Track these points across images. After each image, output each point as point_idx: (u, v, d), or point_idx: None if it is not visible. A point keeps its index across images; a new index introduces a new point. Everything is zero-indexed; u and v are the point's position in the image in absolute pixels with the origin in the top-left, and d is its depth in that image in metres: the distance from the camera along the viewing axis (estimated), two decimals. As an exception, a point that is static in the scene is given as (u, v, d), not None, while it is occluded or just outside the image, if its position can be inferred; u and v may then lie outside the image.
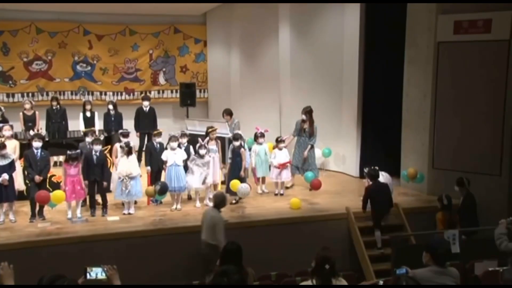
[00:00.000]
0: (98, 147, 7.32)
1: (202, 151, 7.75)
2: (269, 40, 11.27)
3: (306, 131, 8.52)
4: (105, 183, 7.36)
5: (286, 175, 8.48)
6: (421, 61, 8.39)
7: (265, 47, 11.43)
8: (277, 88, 11.18)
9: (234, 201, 7.89)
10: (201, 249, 6.25)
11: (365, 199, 7.09)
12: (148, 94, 11.51)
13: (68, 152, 7.21)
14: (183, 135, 8.10)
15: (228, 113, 9.50)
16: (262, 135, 8.54)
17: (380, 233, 7.10)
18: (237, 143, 7.86)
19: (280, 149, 8.47)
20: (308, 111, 8.80)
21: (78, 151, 7.40)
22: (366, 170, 7.17)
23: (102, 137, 8.20)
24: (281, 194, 8.51)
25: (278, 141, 8.49)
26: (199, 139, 7.93)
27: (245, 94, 11.61)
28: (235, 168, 7.86)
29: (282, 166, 8.36)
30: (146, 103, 10.40)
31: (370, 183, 7.11)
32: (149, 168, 7.94)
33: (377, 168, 7.17)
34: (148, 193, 7.53)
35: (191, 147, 8.08)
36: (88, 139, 7.70)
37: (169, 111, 12.35)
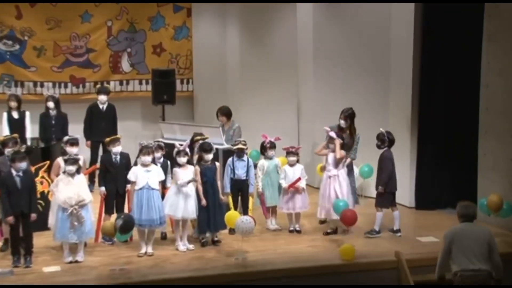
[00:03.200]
0: (21, 165, 7.30)
1: (181, 159, 7.81)
2: (283, 9, 11.37)
3: (344, 143, 8.58)
4: (33, 216, 7.37)
5: (302, 203, 8.54)
6: (509, 37, 8.41)
7: (276, 19, 11.54)
8: (293, 79, 11.30)
9: (217, 240, 8.05)
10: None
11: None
12: (106, 85, 11.63)
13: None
14: (156, 146, 8.16)
15: (225, 113, 9.59)
16: (273, 146, 8.58)
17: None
18: (208, 156, 7.89)
19: (292, 165, 8.51)
20: (349, 115, 8.90)
21: None
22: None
23: (24, 148, 8.11)
24: (298, 231, 8.60)
25: (289, 152, 8.54)
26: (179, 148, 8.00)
27: (248, 86, 11.73)
28: (211, 192, 7.97)
29: (294, 188, 8.40)
30: (102, 98, 10.48)
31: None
32: (103, 188, 8.03)
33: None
34: (105, 230, 7.52)
35: (169, 164, 8.17)
36: (9, 151, 7.68)
37: (136, 111, 12.47)
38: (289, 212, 8.58)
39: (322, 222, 8.80)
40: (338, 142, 8.31)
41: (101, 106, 10.51)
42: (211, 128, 9.44)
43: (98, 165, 8.55)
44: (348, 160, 8.75)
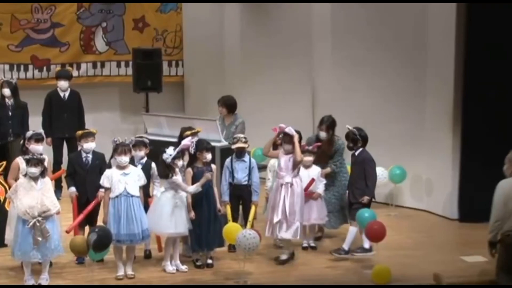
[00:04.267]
0: None
1: (179, 162, 7.73)
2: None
3: (317, 152, 8.62)
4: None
5: (318, 214, 8.58)
6: None
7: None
8: (307, 60, 11.22)
9: (210, 263, 8.07)
10: None
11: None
12: (67, 68, 11.47)
13: None
14: (138, 143, 8.11)
15: (229, 104, 9.62)
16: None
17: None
18: (208, 156, 7.87)
19: (307, 166, 8.52)
20: (330, 124, 8.80)
21: None
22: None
23: None
24: (312, 247, 8.66)
25: (304, 151, 8.42)
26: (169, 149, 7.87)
27: (250, 70, 11.68)
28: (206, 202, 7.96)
29: (308, 194, 8.40)
30: (62, 84, 10.43)
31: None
32: (73, 189, 8.04)
33: None
34: (75, 247, 7.46)
35: (153, 166, 8.11)
36: None
37: (114, 100, 12.48)
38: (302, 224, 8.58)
39: (319, 238, 8.89)
40: (296, 138, 8.06)
41: (62, 94, 10.45)
42: (206, 121, 9.40)
43: (65, 168, 8.50)
44: (328, 169, 8.73)
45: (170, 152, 7.67)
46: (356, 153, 8.37)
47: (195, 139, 8.03)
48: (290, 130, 8.02)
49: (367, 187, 8.30)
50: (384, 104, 9.88)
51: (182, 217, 7.78)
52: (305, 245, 8.59)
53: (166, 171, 7.70)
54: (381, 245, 8.18)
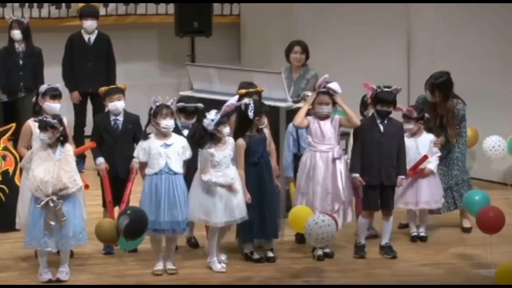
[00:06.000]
0: None
1: (224, 129, 7.74)
2: None
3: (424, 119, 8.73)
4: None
5: (430, 195, 8.72)
6: None
7: None
8: None
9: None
10: None
11: None
12: (94, 4, 11.47)
13: None
14: (182, 103, 8.18)
15: (299, 50, 9.61)
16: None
17: None
18: (263, 121, 7.98)
19: (413, 134, 8.67)
20: (442, 84, 8.87)
21: None
22: None
23: None
24: (421, 238, 8.84)
25: (404, 116, 8.61)
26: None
27: (327, 8, 11.58)
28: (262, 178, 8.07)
29: (416, 172, 8.53)
30: (89, 24, 10.57)
31: None
32: (101, 159, 8.13)
33: None
34: (102, 233, 7.58)
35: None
36: None
37: (151, 47, 12.68)
38: (408, 208, 8.78)
39: (404, 225, 9.11)
40: (339, 99, 8.15)
41: (86, 38, 10.66)
42: (268, 74, 9.44)
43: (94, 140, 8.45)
44: (442, 138, 8.84)
45: (212, 116, 7.64)
46: (389, 120, 8.35)
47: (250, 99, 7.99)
48: (334, 86, 8.11)
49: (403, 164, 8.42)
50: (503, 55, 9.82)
51: (238, 201, 7.82)
52: (413, 233, 8.80)
53: (202, 140, 7.70)
54: (497, 237, 8.16)
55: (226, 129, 7.74)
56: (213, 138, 7.70)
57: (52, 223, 7.36)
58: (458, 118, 8.90)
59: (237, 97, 8.01)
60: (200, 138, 7.70)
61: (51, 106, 7.92)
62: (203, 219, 7.86)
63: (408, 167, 8.48)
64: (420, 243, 8.74)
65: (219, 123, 7.63)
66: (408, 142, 8.56)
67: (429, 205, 8.72)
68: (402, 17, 11.37)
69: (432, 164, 8.60)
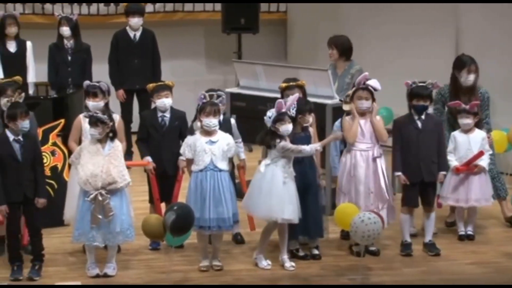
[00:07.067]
0: (23, 124, 7.47)
1: (285, 126, 7.64)
2: None
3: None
4: (40, 201, 7.52)
5: (481, 193, 8.66)
6: None
7: None
8: None
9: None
10: None
11: None
12: (139, 4, 11.49)
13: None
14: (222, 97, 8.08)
15: (341, 45, 9.65)
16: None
17: None
18: (308, 120, 7.93)
19: (467, 130, 8.61)
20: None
21: None
22: None
23: (22, 98, 7.79)
24: (469, 237, 8.78)
25: (460, 111, 8.54)
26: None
27: (375, 6, 11.61)
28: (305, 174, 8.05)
29: (468, 168, 8.52)
30: (136, 21, 10.63)
31: None
32: (149, 158, 8.18)
33: None
34: (149, 228, 7.63)
35: (233, 123, 8.35)
36: (4, 103, 7.70)
37: (197, 44, 12.68)
38: (458, 205, 8.71)
39: (450, 224, 9.08)
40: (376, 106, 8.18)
41: (131, 35, 10.71)
42: (314, 71, 9.44)
43: (149, 160, 8.36)
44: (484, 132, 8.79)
45: (270, 113, 7.63)
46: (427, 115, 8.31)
47: (294, 96, 7.88)
48: (375, 83, 8.08)
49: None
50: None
51: (295, 198, 7.79)
52: (461, 232, 8.74)
53: (269, 138, 7.66)
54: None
55: (284, 127, 7.62)
56: (274, 134, 7.67)
57: (100, 216, 7.42)
58: (485, 102, 8.89)
59: (296, 95, 7.97)
60: (266, 138, 7.70)
61: (92, 104, 7.94)
62: (267, 214, 7.81)
63: (459, 163, 8.49)
64: (467, 241, 8.68)
65: (276, 120, 7.60)
66: (460, 137, 8.58)
67: (479, 203, 8.65)
68: (450, 10, 11.26)
69: (484, 161, 8.52)
